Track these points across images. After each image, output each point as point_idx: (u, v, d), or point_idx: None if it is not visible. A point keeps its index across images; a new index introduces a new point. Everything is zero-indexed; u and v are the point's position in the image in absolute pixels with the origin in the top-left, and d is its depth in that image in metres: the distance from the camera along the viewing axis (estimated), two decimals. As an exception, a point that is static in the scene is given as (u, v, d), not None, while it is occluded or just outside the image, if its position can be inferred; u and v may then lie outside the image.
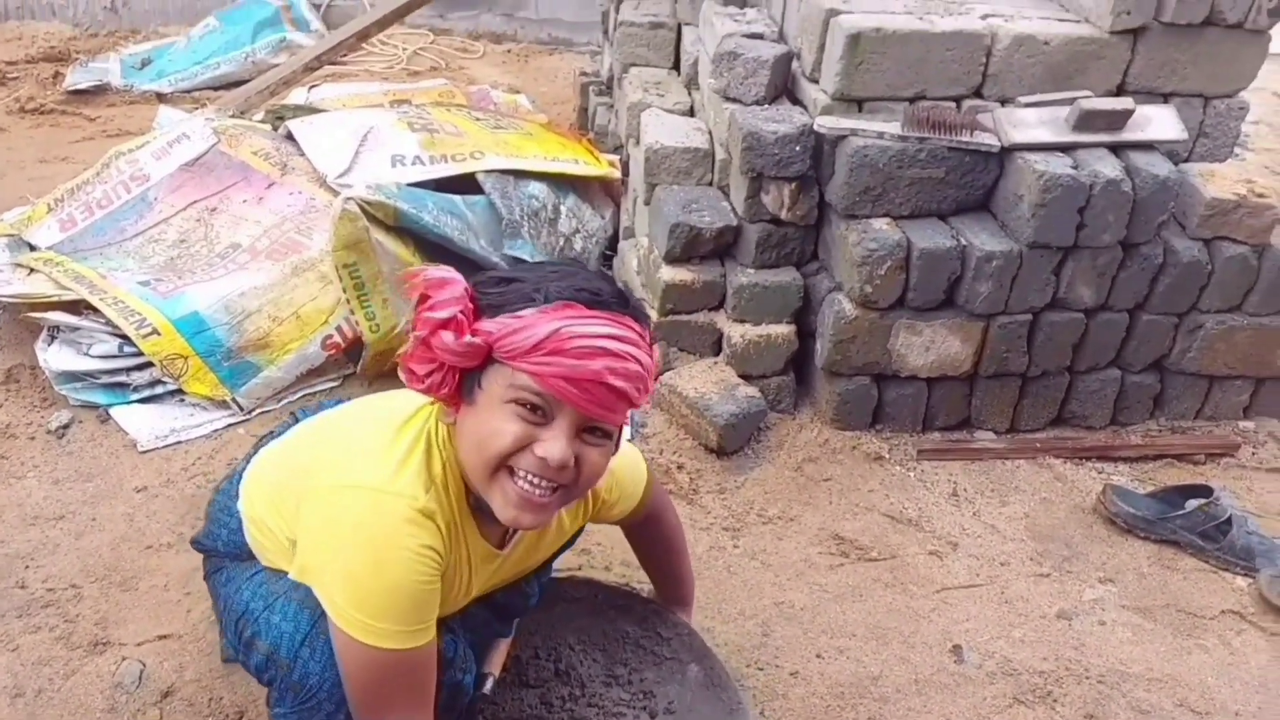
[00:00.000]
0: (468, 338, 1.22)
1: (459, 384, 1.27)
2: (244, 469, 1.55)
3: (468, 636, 1.55)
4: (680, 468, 2.53)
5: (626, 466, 1.64)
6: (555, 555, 1.71)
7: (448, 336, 1.22)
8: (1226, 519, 2.32)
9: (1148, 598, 2.26)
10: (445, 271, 1.25)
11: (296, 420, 1.61)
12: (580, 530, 1.69)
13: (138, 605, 2.03)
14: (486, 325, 1.23)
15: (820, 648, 2.07)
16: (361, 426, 1.42)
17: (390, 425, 1.35)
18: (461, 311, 1.23)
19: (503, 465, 1.27)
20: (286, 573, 1.38)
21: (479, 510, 1.36)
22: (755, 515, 2.42)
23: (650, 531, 1.84)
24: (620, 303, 1.27)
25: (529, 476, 1.26)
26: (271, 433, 1.60)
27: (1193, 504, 2.37)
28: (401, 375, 1.29)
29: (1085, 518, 2.48)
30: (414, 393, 1.35)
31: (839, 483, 2.54)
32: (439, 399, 1.30)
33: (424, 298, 1.24)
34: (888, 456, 2.63)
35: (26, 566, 2.10)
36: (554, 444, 1.24)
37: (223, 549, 1.53)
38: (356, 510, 1.27)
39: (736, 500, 2.46)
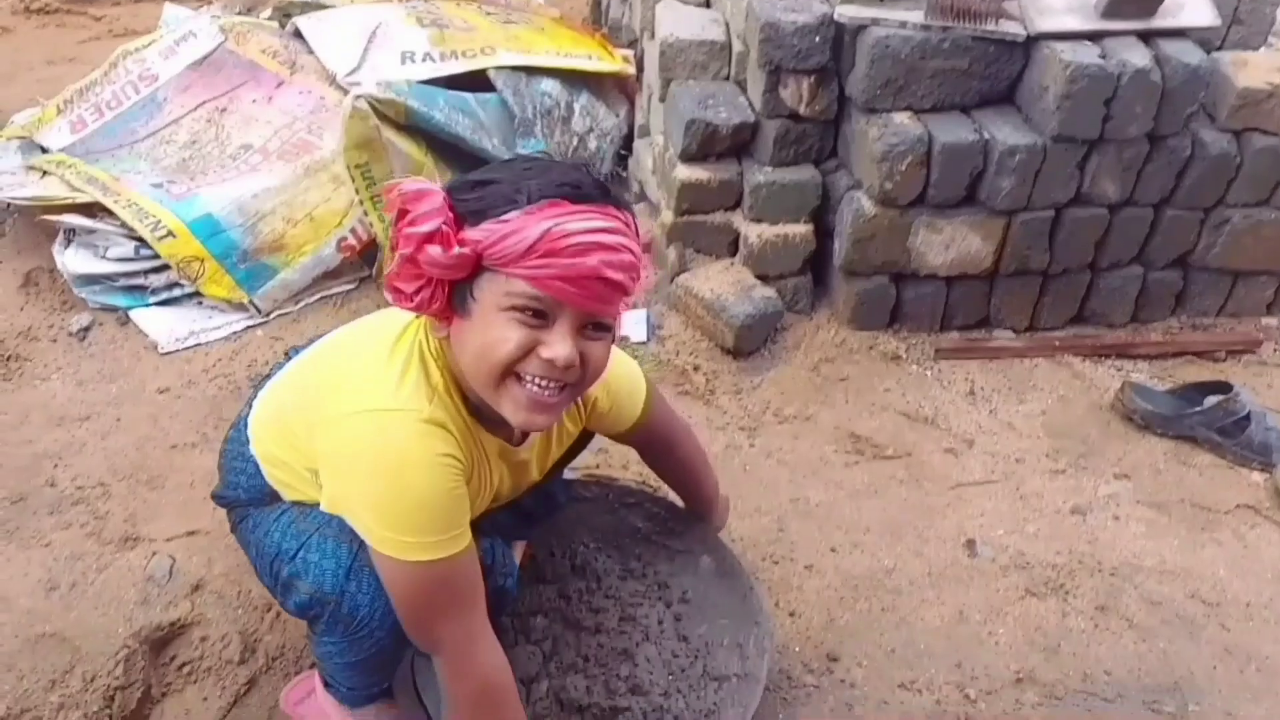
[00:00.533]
0: (456, 249, 1.18)
1: (449, 297, 1.24)
2: (247, 414, 1.52)
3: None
4: (696, 369, 2.53)
5: (623, 378, 1.61)
6: (568, 459, 1.71)
7: (434, 250, 1.17)
8: (1245, 415, 2.32)
9: (1163, 493, 2.27)
10: (421, 183, 1.20)
11: (289, 358, 1.59)
12: (590, 436, 1.69)
13: (165, 503, 2.07)
14: (473, 233, 1.19)
15: (835, 542, 2.10)
16: (354, 351, 1.39)
17: (382, 345, 1.33)
18: (445, 223, 1.18)
19: (509, 372, 1.25)
20: (314, 505, 1.37)
21: (479, 414, 1.36)
22: (771, 415, 2.43)
23: (661, 453, 1.82)
24: (603, 193, 1.23)
25: (537, 379, 1.25)
26: (269, 374, 1.57)
27: (1211, 400, 2.36)
28: (388, 296, 1.26)
29: (1103, 415, 2.48)
30: (399, 310, 1.32)
31: (855, 382, 2.54)
32: (430, 315, 1.27)
33: (402, 213, 1.19)
34: (905, 356, 2.62)
35: (55, 465, 2.14)
36: (560, 346, 1.22)
37: (245, 496, 1.51)
38: (366, 434, 1.26)
39: (753, 400, 2.47)
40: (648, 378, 1.67)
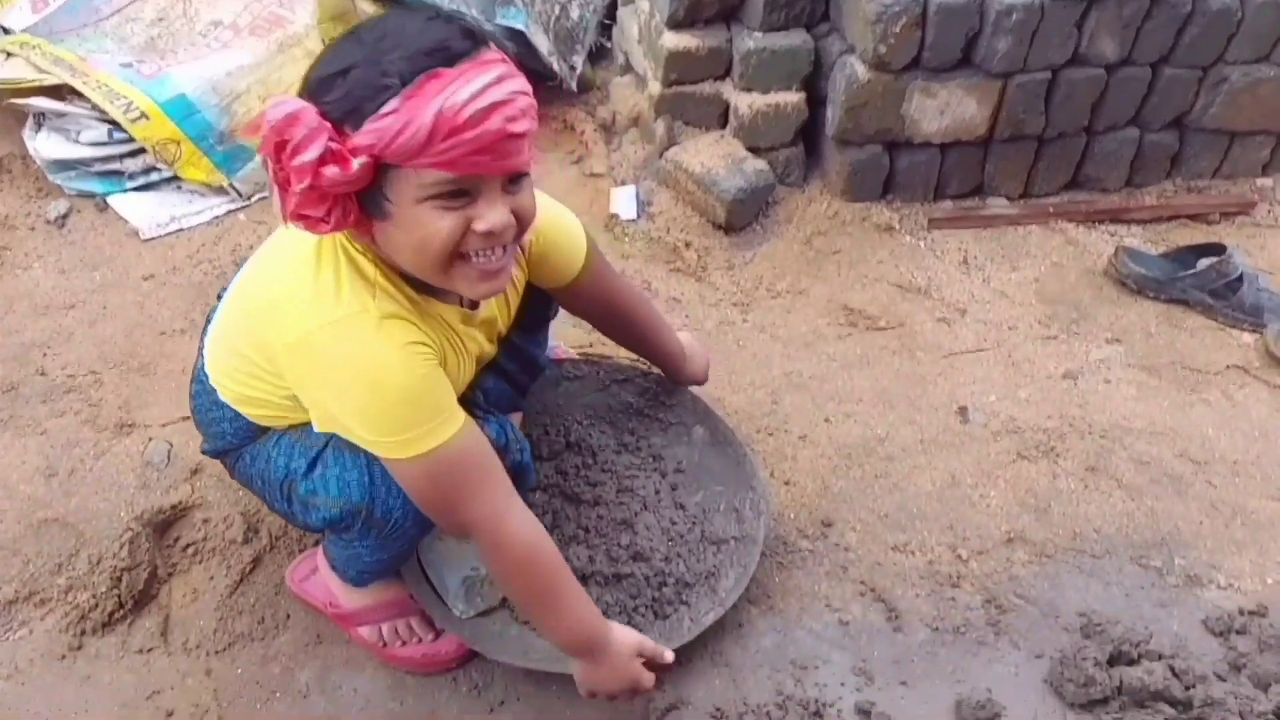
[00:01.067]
0: (355, 163, 1.10)
1: (360, 205, 1.18)
2: (202, 364, 1.49)
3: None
4: (688, 245, 2.50)
5: (557, 221, 1.56)
6: (538, 311, 1.69)
7: (333, 171, 1.09)
8: (1237, 276, 2.32)
9: (1154, 356, 2.28)
10: (284, 103, 1.09)
11: (220, 299, 1.54)
12: (547, 297, 1.66)
13: (158, 389, 2.07)
14: (361, 139, 1.10)
15: (828, 413, 2.12)
16: (280, 274, 1.32)
17: (306, 259, 1.27)
18: (330, 138, 1.09)
19: (453, 256, 1.21)
20: (308, 425, 1.36)
21: (427, 290, 1.32)
22: (764, 290, 2.42)
23: (617, 315, 1.77)
24: (472, 41, 1.14)
25: (481, 253, 1.22)
26: (208, 320, 1.53)
27: (1204, 263, 2.36)
28: (298, 228, 1.16)
29: (1095, 280, 2.47)
30: None
31: (848, 255, 2.52)
32: (349, 228, 1.20)
33: (280, 145, 1.09)
34: (898, 227, 2.60)
35: (44, 354, 2.13)
36: (492, 214, 1.18)
37: (235, 440, 1.50)
38: (327, 349, 1.23)
39: (745, 276, 2.45)
40: (588, 232, 1.63)
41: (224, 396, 1.44)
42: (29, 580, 1.71)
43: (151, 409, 2.02)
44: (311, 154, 1.08)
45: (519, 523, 1.36)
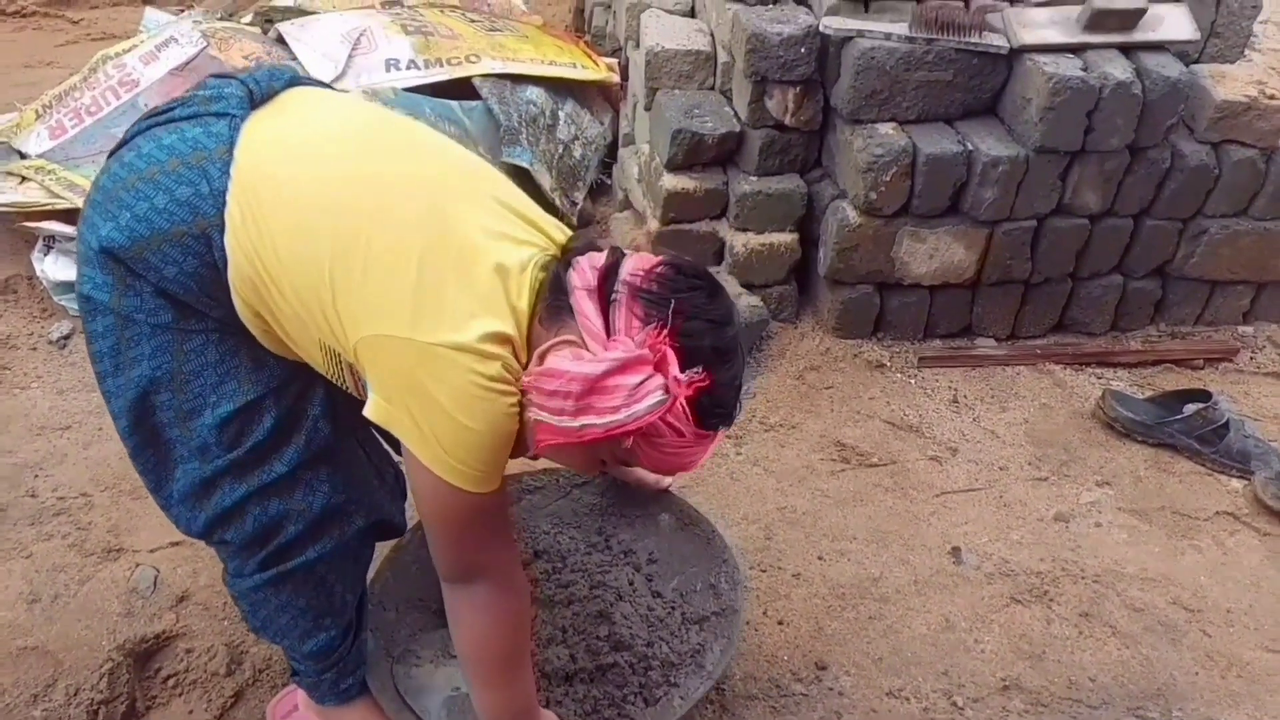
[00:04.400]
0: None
1: None
2: (226, 161, 1.21)
3: None
4: (682, 376, 2.53)
5: None
6: None
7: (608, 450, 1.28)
8: (1224, 423, 2.35)
9: (1144, 500, 2.29)
10: (700, 449, 1.25)
11: (288, 83, 1.35)
12: None
13: (148, 513, 2.04)
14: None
15: (822, 550, 2.11)
16: (471, 216, 1.24)
17: (507, 250, 1.24)
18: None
19: None
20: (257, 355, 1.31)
21: None
22: (758, 423, 2.44)
23: None
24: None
25: None
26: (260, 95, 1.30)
27: (1191, 408, 2.39)
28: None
29: (1084, 423, 2.50)
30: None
31: (840, 390, 2.55)
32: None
33: (644, 432, 1.19)
34: (889, 364, 2.64)
35: (36, 476, 2.12)
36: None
37: (163, 285, 1.24)
38: (458, 380, 1.17)
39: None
40: None
41: (229, 242, 1.21)
42: (3, 711, 1.66)
43: (141, 534, 2.00)
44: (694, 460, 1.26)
45: (524, 579, 1.42)
